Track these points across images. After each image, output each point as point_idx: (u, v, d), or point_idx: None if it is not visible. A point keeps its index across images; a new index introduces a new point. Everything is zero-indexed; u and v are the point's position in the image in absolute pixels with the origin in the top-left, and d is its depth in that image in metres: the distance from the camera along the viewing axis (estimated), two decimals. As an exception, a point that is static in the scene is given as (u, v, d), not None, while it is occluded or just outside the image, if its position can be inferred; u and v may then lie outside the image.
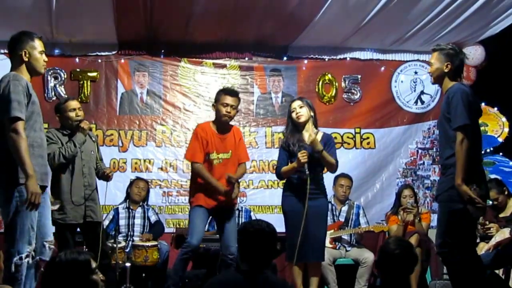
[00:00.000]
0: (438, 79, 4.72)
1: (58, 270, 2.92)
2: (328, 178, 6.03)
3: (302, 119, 5.63)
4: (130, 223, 6.95)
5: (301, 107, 5.65)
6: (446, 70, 4.62)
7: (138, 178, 7.26)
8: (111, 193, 6.44)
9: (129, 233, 6.91)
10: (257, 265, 3.41)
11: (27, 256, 4.15)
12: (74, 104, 5.73)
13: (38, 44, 4.41)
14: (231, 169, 5.78)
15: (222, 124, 5.80)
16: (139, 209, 7.07)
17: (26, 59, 4.34)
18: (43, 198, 4.31)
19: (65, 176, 5.52)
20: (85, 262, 2.96)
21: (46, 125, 7.56)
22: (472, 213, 4.38)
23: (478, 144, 4.59)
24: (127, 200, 7.09)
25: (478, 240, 6.51)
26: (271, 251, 3.52)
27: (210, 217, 5.95)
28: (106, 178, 5.82)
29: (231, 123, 5.91)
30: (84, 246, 5.64)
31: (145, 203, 7.20)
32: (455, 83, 4.59)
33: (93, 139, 5.84)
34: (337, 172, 6.20)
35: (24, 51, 4.33)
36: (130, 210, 7.01)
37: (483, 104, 7.92)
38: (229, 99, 5.73)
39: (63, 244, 5.36)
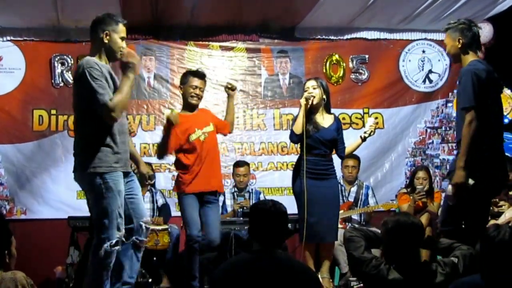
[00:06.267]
0: (455, 57, 4.64)
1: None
2: (336, 159, 6.00)
3: (314, 101, 5.50)
4: None
5: (314, 88, 5.55)
6: (459, 46, 4.52)
7: None
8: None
9: None
10: (267, 243, 3.41)
11: (116, 243, 4.12)
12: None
13: (120, 29, 4.22)
14: (215, 141, 5.63)
15: (192, 106, 5.59)
16: (147, 193, 7.06)
17: (106, 41, 4.18)
18: (132, 182, 4.37)
19: None
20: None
21: (54, 111, 7.67)
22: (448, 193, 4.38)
23: (489, 127, 4.39)
24: None
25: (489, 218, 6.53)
26: (281, 229, 3.51)
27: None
28: None
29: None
30: None
31: (153, 186, 7.17)
32: (472, 60, 4.47)
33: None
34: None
35: (106, 33, 4.16)
36: None
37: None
38: (197, 81, 5.52)
39: None
